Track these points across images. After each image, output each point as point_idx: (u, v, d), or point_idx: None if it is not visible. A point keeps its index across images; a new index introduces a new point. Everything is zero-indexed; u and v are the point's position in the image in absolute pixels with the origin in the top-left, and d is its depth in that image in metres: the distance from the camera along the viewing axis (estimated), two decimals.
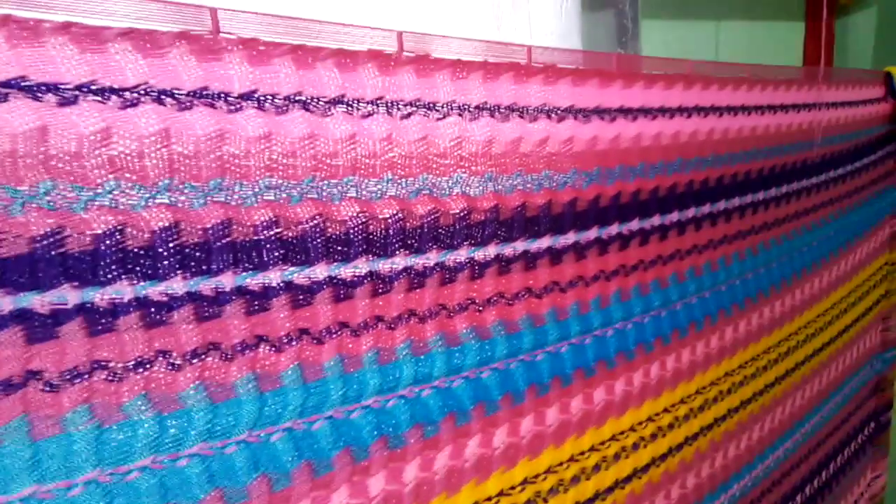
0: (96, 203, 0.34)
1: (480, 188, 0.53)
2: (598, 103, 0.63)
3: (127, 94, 0.35)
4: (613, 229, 0.66)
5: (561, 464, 0.63)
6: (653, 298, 0.72)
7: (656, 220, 0.72)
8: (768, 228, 0.92)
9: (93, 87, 0.34)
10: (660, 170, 0.71)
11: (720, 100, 0.80)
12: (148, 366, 0.36)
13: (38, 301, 0.32)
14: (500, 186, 0.55)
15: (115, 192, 0.34)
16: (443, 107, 0.50)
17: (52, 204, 0.33)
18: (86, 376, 0.34)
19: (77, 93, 0.33)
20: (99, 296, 0.34)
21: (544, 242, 0.59)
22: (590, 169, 0.63)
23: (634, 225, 0.69)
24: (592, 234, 0.64)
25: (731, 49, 1.43)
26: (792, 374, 1.03)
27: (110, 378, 0.34)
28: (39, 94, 0.32)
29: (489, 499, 0.56)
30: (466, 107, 0.52)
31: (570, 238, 0.62)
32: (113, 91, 0.34)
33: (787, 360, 1.01)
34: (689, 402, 0.80)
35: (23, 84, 0.32)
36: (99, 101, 0.34)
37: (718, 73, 0.81)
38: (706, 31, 1.41)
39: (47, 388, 0.32)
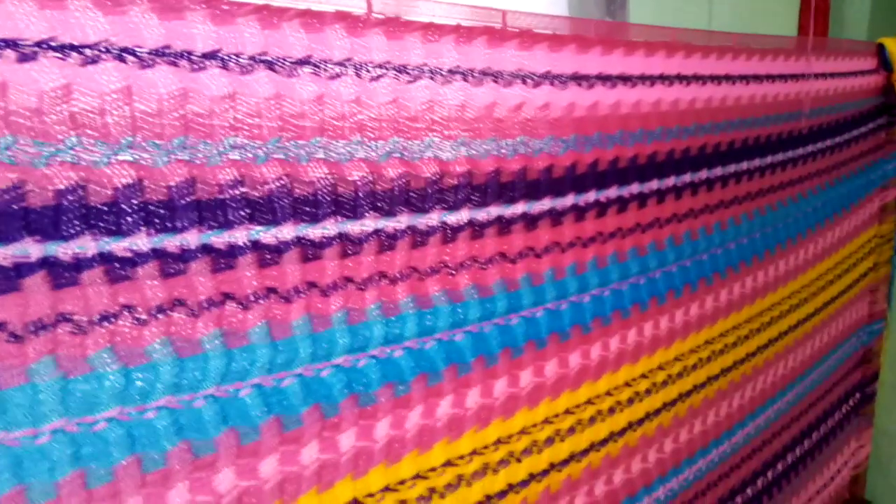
0: (58, 158, 0.34)
1: (453, 152, 0.54)
2: (575, 70, 0.63)
3: (87, 51, 0.35)
4: (591, 196, 0.67)
5: (535, 425, 0.64)
6: (630, 266, 0.73)
7: (635, 189, 0.72)
8: (752, 198, 0.92)
9: (52, 44, 0.34)
10: (639, 138, 0.71)
11: (704, 68, 0.80)
12: (113, 319, 0.37)
13: (1, 254, 0.33)
14: (473, 151, 0.55)
15: (77, 149, 0.35)
16: (414, 69, 0.50)
17: (12, 159, 0.33)
18: (50, 328, 0.34)
19: (37, 49, 0.34)
20: (62, 250, 0.35)
21: (519, 208, 0.60)
22: (566, 135, 0.63)
23: (612, 192, 0.69)
24: (569, 200, 0.64)
25: (725, 18, 1.41)
26: (775, 343, 1.04)
27: (75, 331, 0.35)
28: None
29: (462, 457, 0.58)
30: (438, 70, 0.52)
31: (545, 204, 0.62)
32: (73, 48, 0.35)
33: (769, 329, 1.02)
34: (667, 368, 0.81)
35: None
36: (59, 58, 0.34)
37: (703, 42, 0.81)
38: (699, 1, 1.39)
39: (11, 339, 0.33)
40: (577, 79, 0.64)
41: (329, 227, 0.46)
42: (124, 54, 0.36)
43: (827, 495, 1.33)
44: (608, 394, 0.72)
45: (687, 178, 0.80)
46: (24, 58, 0.33)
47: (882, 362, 1.45)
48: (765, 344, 1.02)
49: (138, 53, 0.37)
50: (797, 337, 1.11)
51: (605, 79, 0.66)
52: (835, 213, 1.17)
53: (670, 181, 0.77)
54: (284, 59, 0.43)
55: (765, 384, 1.03)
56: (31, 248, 0.34)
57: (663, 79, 0.74)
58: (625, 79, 0.69)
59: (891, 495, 1.50)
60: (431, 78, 0.51)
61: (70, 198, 0.35)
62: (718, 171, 0.85)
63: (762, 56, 0.90)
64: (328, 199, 0.46)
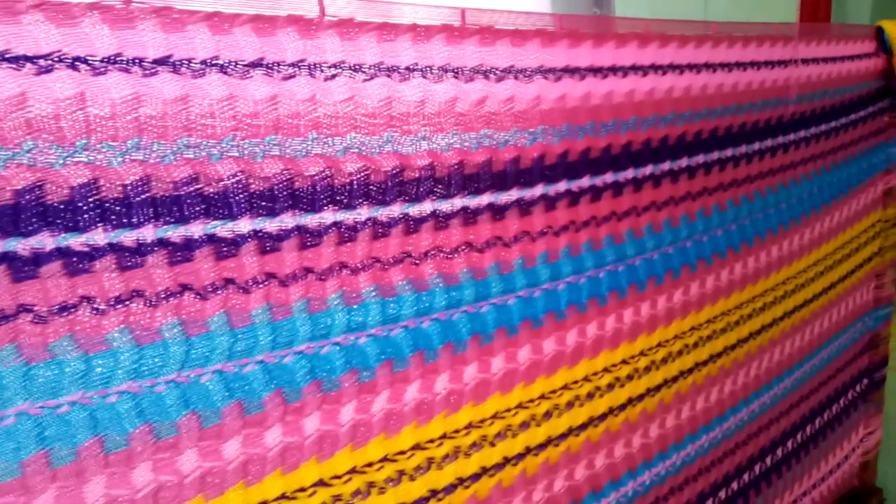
0: (14, 161, 0.37)
1: (413, 147, 0.56)
2: (541, 63, 0.65)
3: (41, 61, 0.38)
4: (561, 186, 0.68)
5: (509, 410, 0.66)
6: (606, 253, 0.74)
7: (609, 178, 0.73)
8: (738, 185, 0.93)
9: (7, 56, 0.37)
10: (612, 128, 0.73)
11: (681, 58, 0.81)
12: (72, 310, 0.39)
13: None
14: (434, 145, 0.57)
15: (33, 152, 0.38)
16: (370, 68, 0.52)
17: None
18: (11, 318, 0.37)
19: None
20: (21, 246, 0.37)
21: (485, 199, 0.62)
22: (533, 127, 0.65)
23: (585, 182, 0.71)
24: (538, 190, 0.66)
25: (722, 7, 1.41)
26: (770, 328, 1.04)
27: (35, 320, 0.38)
28: None
29: (432, 441, 0.60)
30: (395, 68, 0.54)
31: (512, 195, 0.64)
32: (27, 59, 0.37)
33: (763, 314, 1.02)
34: (650, 354, 0.82)
35: None
36: (13, 69, 0.37)
37: (681, 31, 0.81)
38: None
39: None
40: (544, 72, 0.65)
41: (287, 221, 0.48)
42: (77, 63, 0.39)
43: (834, 482, 1.32)
44: (586, 379, 0.74)
45: (666, 166, 0.81)
46: None
47: (891, 348, 1.44)
48: (758, 330, 1.02)
49: (91, 62, 0.39)
50: (794, 322, 1.11)
51: (573, 71, 0.68)
52: (832, 199, 1.17)
53: (648, 169, 0.78)
54: (236, 62, 0.45)
55: (759, 370, 1.04)
56: None
57: (636, 69, 0.75)
58: (595, 70, 0.70)
59: None
60: (388, 76, 0.53)
61: (28, 197, 0.38)
62: (701, 158, 0.86)
63: (746, 43, 0.90)
64: (285, 193, 0.48)
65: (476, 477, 0.64)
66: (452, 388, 0.61)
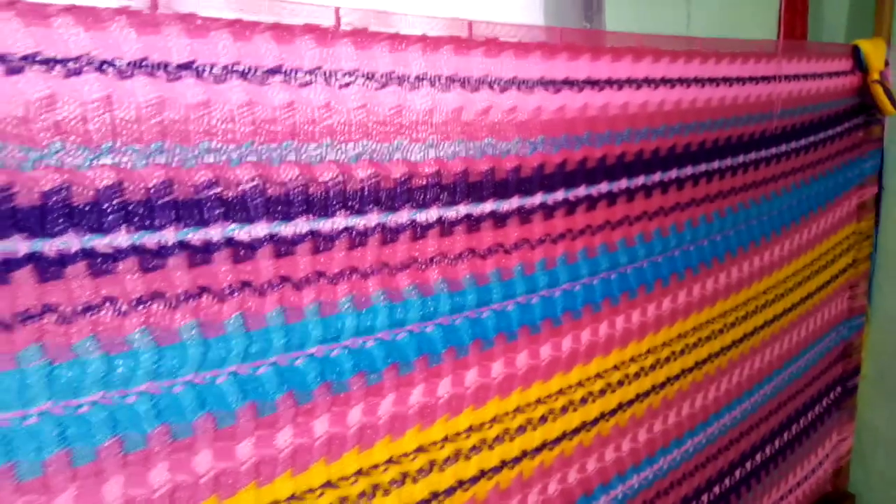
0: (43, 163, 0.37)
1: (421, 154, 0.57)
2: (542, 75, 0.66)
3: (70, 63, 0.38)
4: (559, 195, 0.70)
5: (507, 414, 0.67)
6: (600, 261, 0.76)
7: (604, 187, 0.75)
8: (724, 196, 0.95)
9: (38, 58, 0.37)
10: (608, 139, 0.75)
11: (673, 72, 0.83)
12: (95, 310, 0.40)
13: None
14: (441, 153, 0.58)
15: (61, 153, 0.38)
16: (382, 77, 0.53)
17: (1, 163, 0.36)
18: (37, 318, 0.38)
19: (23, 63, 0.37)
20: (47, 246, 0.38)
21: (487, 206, 0.63)
22: (534, 137, 0.66)
23: (581, 191, 0.72)
24: (537, 199, 0.68)
25: (704, 23, 1.44)
26: (752, 336, 1.07)
27: (60, 320, 0.38)
28: None
29: (434, 443, 0.60)
30: (406, 77, 0.55)
31: (513, 203, 0.65)
32: (57, 61, 0.38)
33: (745, 323, 1.05)
34: (639, 360, 0.84)
35: None
36: (44, 71, 0.37)
37: (672, 47, 0.84)
38: (677, 4, 1.43)
39: (0, 328, 0.36)
40: (544, 83, 0.67)
41: (301, 225, 0.49)
42: (105, 66, 0.40)
43: (809, 487, 1.36)
44: (580, 384, 0.75)
45: (657, 177, 0.83)
46: (11, 71, 0.36)
47: (863, 357, 1.48)
48: (740, 338, 1.05)
49: (118, 65, 0.40)
50: (774, 331, 1.14)
51: (571, 83, 0.70)
52: (811, 211, 1.20)
53: (640, 180, 0.80)
54: (256, 69, 0.46)
55: (741, 377, 1.06)
56: (19, 245, 0.37)
57: (631, 82, 0.77)
58: (592, 83, 0.72)
59: (873, 488, 1.52)
60: (399, 84, 0.55)
61: (55, 198, 0.38)
62: (689, 170, 0.88)
63: (732, 59, 0.93)
64: (300, 198, 0.49)
65: (475, 480, 0.65)
66: (454, 392, 0.62)
